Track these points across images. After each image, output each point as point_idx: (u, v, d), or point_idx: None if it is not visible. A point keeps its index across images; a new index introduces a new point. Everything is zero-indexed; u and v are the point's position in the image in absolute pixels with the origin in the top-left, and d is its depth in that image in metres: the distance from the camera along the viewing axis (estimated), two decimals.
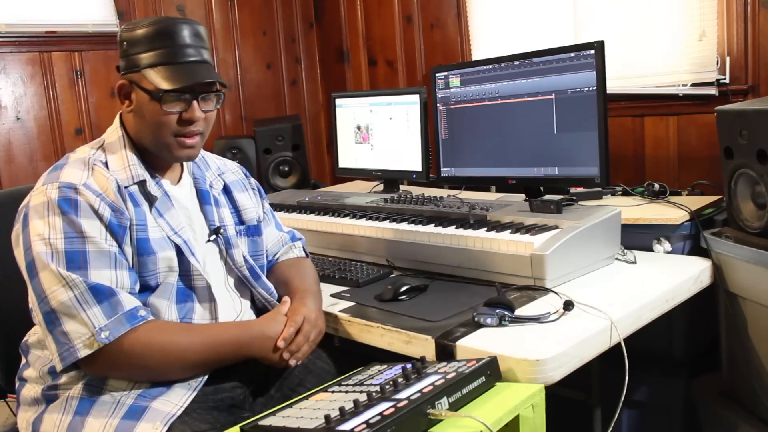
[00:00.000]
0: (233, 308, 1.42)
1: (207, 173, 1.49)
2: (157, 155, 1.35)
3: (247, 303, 1.47)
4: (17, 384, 1.37)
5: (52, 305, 1.18)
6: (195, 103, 1.30)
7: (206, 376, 1.30)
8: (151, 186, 1.33)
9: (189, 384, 1.28)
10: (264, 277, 1.50)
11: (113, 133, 1.36)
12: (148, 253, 1.28)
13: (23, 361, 1.38)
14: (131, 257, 1.27)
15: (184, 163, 1.44)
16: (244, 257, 1.46)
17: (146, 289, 1.29)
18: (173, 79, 1.26)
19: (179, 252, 1.32)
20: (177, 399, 1.25)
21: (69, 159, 1.30)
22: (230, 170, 1.57)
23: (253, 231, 1.53)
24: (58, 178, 1.24)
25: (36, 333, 1.34)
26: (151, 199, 1.32)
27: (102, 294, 1.19)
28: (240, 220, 1.51)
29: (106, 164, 1.30)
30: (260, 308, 1.49)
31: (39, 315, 1.20)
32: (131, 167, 1.32)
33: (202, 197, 1.45)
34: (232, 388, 1.38)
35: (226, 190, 1.52)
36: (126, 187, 1.29)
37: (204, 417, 1.26)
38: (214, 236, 1.42)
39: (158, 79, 1.26)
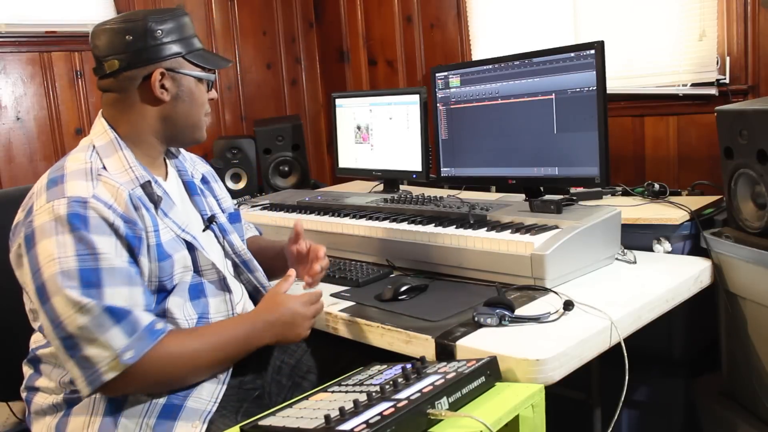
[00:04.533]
0: (240, 295, 1.44)
1: (187, 164, 1.50)
2: (180, 140, 1.38)
3: (244, 288, 1.49)
4: (25, 394, 1.34)
5: (69, 330, 1.13)
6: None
7: (231, 369, 1.32)
8: (154, 186, 1.31)
9: (217, 378, 1.29)
10: (255, 261, 1.52)
11: (102, 135, 1.30)
12: (164, 258, 1.26)
13: (30, 371, 1.34)
14: (148, 266, 1.24)
15: (168, 158, 1.44)
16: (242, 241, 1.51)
17: (162, 291, 1.27)
18: (215, 61, 1.36)
19: (190, 248, 1.32)
20: (209, 395, 1.27)
21: (65, 171, 1.23)
22: (199, 161, 1.59)
23: (235, 217, 1.56)
24: (64, 193, 1.18)
25: (47, 346, 1.28)
26: (155, 200, 1.30)
27: (118, 315, 1.15)
28: (221, 209, 1.54)
29: (104, 169, 1.26)
30: (250, 292, 1.51)
31: (55, 340, 1.15)
32: (133, 169, 1.28)
33: (190, 189, 1.45)
34: (254, 380, 1.42)
35: (204, 181, 1.54)
36: (132, 190, 1.25)
37: (238, 410, 1.29)
38: (209, 225, 1.43)
39: (208, 62, 1.35)
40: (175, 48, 1.30)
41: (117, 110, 1.32)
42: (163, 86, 1.30)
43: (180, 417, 1.22)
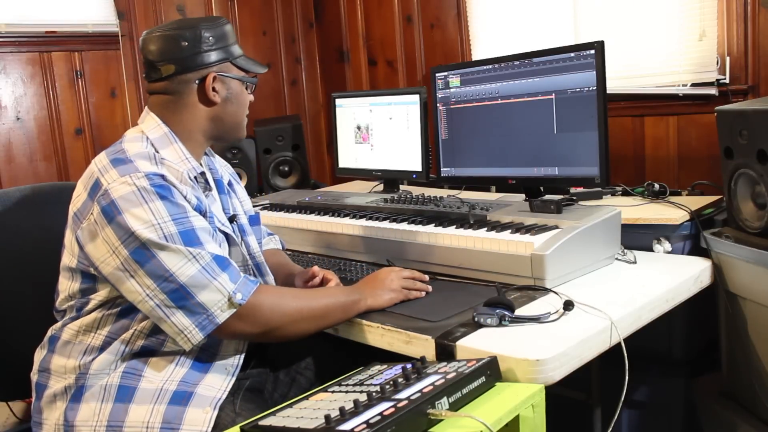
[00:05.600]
0: None
1: (216, 164, 1.56)
2: (225, 138, 1.47)
3: None
4: (36, 377, 1.36)
5: (181, 281, 1.21)
6: None
7: (241, 361, 1.36)
8: (208, 177, 1.42)
9: (226, 369, 1.33)
10: (266, 265, 1.56)
11: (156, 128, 1.37)
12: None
13: (43, 353, 1.36)
14: None
15: (203, 158, 1.50)
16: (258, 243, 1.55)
17: None
18: (257, 67, 1.46)
19: (229, 242, 1.39)
20: (219, 383, 1.30)
21: (128, 153, 1.29)
22: (227, 165, 1.66)
23: (254, 220, 1.62)
24: (138, 169, 1.25)
25: (77, 319, 1.33)
26: (209, 189, 1.40)
27: (223, 263, 1.25)
28: (243, 211, 1.58)
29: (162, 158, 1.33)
30: None
31: (160, 296, 1.21)
32: (189, 160, 1.37)
33: (219, 187, 1.51)
34: (258, 374, 1.46)
35: (230, 183, 1.59)
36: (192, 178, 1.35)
37: (246, 399, 1.32)
38: (231, 223, 1.47)
39: (252, 67, 1.44)
40: (223, 54, 1.39)
41: (169, 111, 1.38)
42: (214, 89, 1.38)
43: (191, 403, 1.24)
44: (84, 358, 1.30)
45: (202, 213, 1.32)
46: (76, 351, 1.31)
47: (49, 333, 1.38)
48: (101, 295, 1.29)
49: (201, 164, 1.46)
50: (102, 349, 1.30)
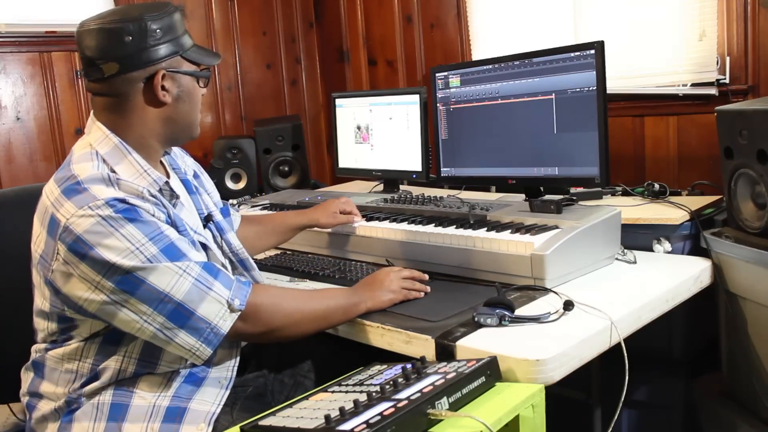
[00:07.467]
0: None
1: (179, 161, 1.47)
2: (179, 140, 1.35)
3: None
4: (26, 399, 1.32)
5: (178, 299, 1.14)
6: None
7: (234, 374, 1.32)
8: (173, 184, 1.31)
9: (220, 383, 1.29)
10: (251, 260, 1.51)
11: (105, 141, 1.24)
12: None
13: (31, 376, 1.32)
14: None
15: (163, 158, 1.41)
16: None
17: None
18: (210, 58, 1.33)
19: (204, 250, 1.32)
20: (212, 398, 1.27)
21: (79, 178, 1.17)
22: (185, 154, 1.54)
23: (225, 212, 1.55)
24: (95, 196, 1.13)
25: (56, 347, 1.26)
26: (175, 198, 1.30)
27: (213, 270, 1.20)
28: (213, 204, 1.52)
29: (117, 176, 1.21)
30: None
31: (158, 319, 1.14)
32: (149, 172, 1.25)
33: (187, 187, 1.43)
34: (256, 378, 1.43)
35: (195, 176, 1.50)
36: (154, 193, 1.24)
37: (243, 407, 1.30)
38: (207, 224, 1.42)
39: (204, 58, 1.31)
40: (172, 47, 1.25)
41: (116, 115, 1.25)
42: (163, 87, 1.25)
43: (185, 420, 1.21)
44: (72, 385, 1.24)
45: (173, 227, 1.23)
46: (63, 379, 1.26)
47: (33, 354, 1.32)
48: (83, 331, 1.23)
49: (164, 167, 1.38)
50: (91, 375, 1.24)
